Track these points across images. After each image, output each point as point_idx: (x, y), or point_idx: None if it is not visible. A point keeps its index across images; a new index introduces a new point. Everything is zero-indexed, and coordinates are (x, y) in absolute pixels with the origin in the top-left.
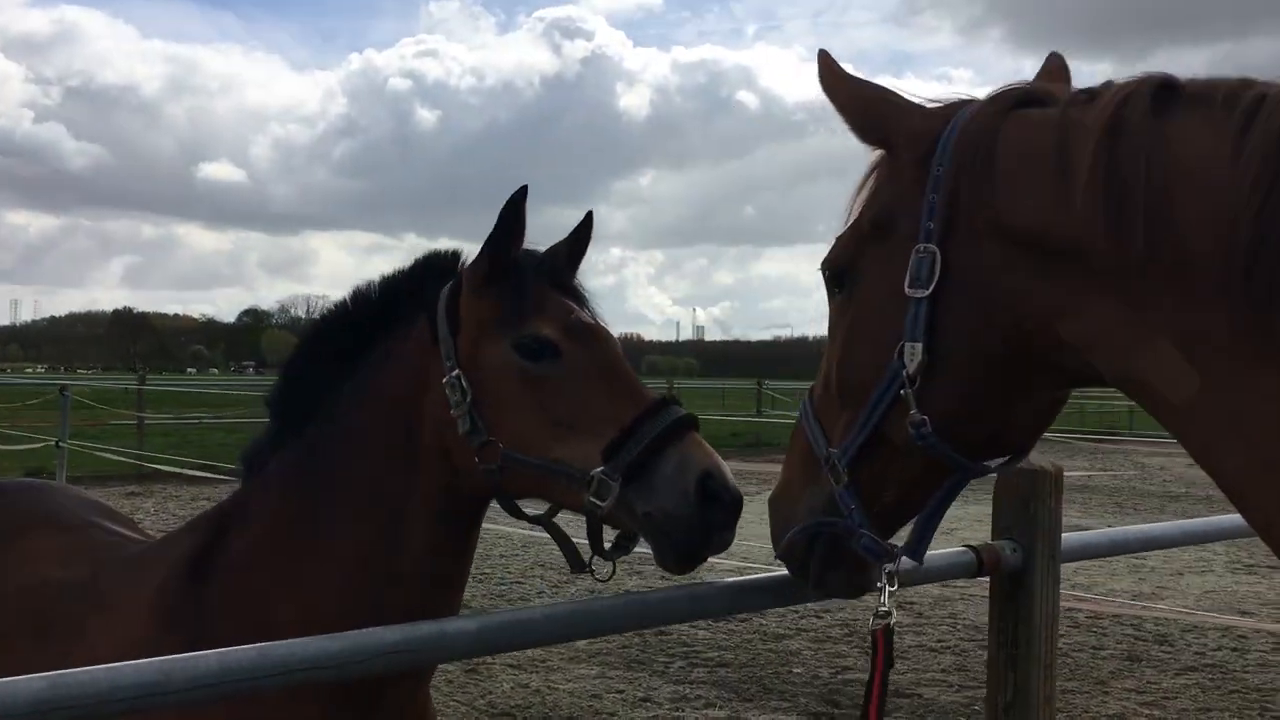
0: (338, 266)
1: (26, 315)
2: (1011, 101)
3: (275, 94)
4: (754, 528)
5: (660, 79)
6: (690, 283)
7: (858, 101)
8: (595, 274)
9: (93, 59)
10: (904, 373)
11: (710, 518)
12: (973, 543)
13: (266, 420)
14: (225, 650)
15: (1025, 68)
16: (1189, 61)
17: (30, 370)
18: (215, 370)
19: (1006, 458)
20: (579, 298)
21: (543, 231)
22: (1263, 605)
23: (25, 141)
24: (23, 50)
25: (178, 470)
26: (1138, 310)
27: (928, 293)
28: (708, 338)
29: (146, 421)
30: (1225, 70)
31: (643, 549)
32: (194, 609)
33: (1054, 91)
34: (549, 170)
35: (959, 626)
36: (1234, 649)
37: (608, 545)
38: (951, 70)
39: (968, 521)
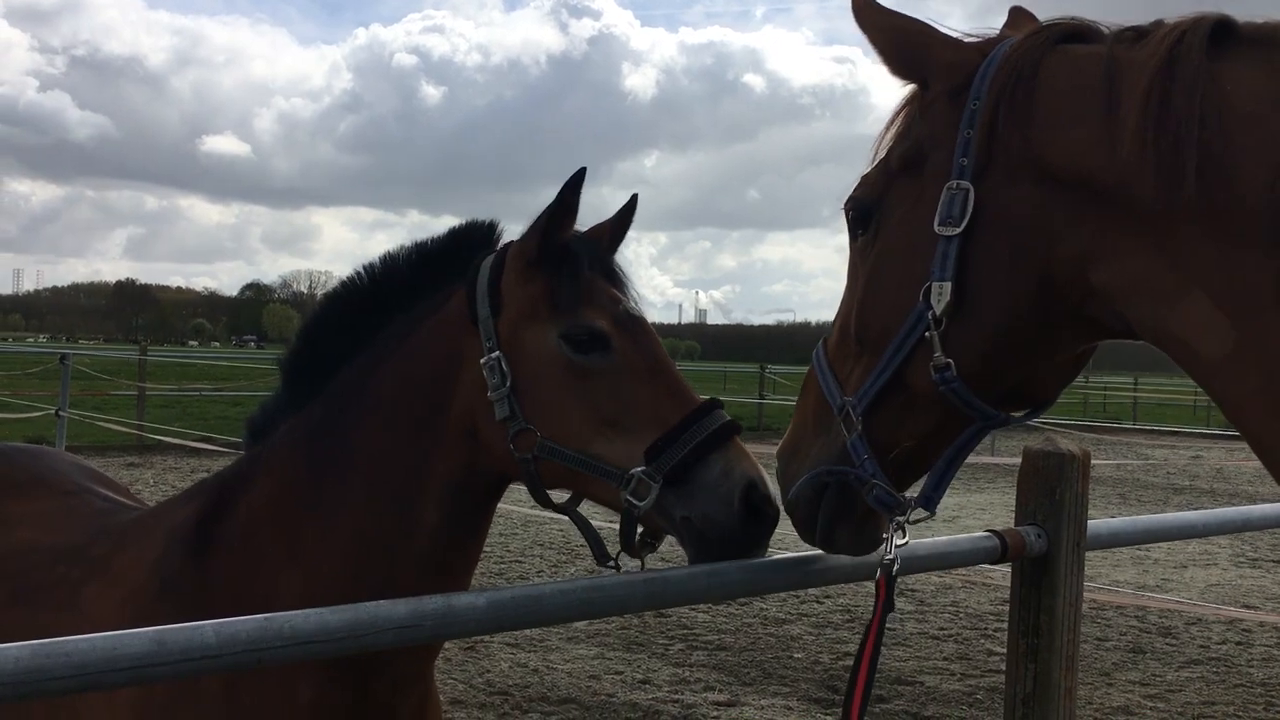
0: (340, 242)
1: (29, 285)
2: (1056, 36)
3: (280, 67)
4: None
5: (667, 60)
6: (693, 265)
7: (892, 32)
8: None
9: (98, 28)
10: (930, 314)
11: (750, 530)
12: (994, 527)
13: (268, 394)
14: (225, 621)
15: None
16: None
17: (32, 340)
18: (217, 344)
19: (1028, 410)
20: (621, 282)
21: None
22: (1267, 599)
23: (29, 110)
24: (28, 18)
25: (178, 441)
26: (1175, 259)
27: (959, 231)
28: (709, 321)
29: (147, 393)
30: None
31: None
32: (194, 578)
33: (1099, 27)
34: (553, 149)
35: (961, 615)
36: (1238, 642)
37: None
38: None
39: (972, 509)
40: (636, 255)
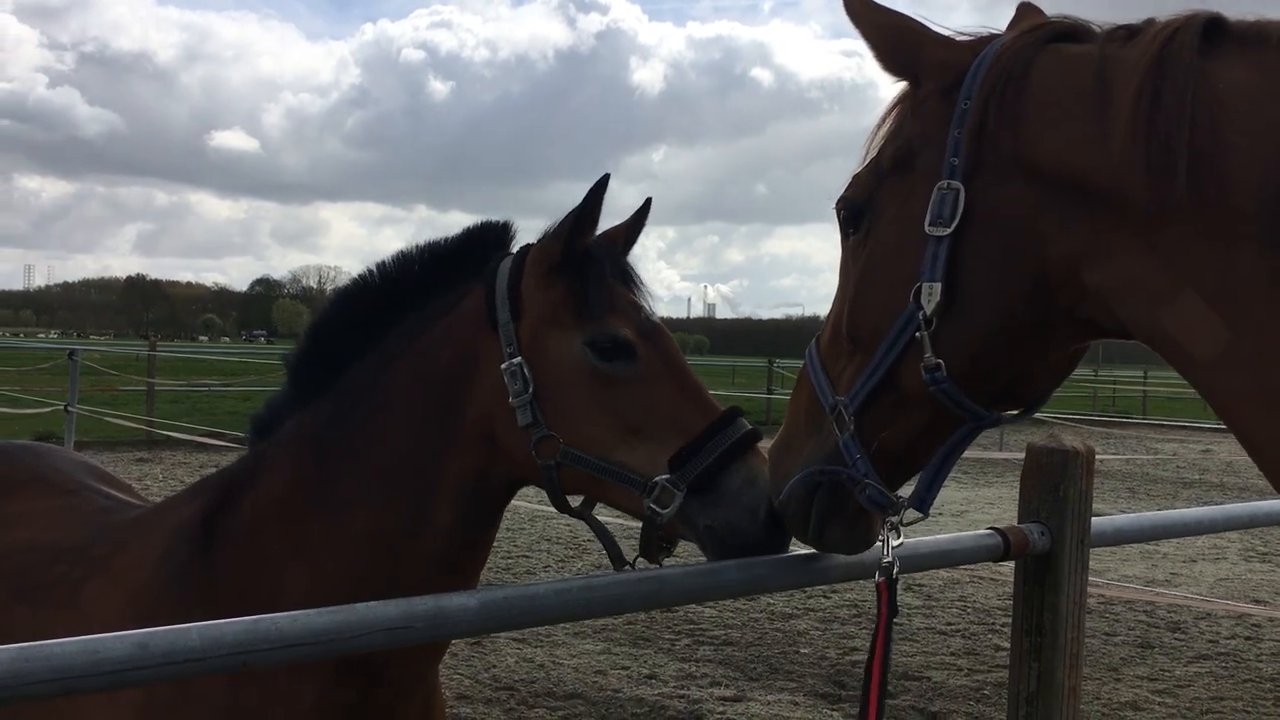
0: (349, 237)
1: (40, 281)
2: (1047, 35)
3: (288, 63)
4: None
5: (675, 54)
6: (701, 260)
7: (884, 29)
8: None
9: (107, 25)
10: (920, 314)
11: (773, 538)
12: (999, 525)
13: (278, 387)
14: (210, 624)
15: None
16: None
17: (43, 335)
18: (227, 339)
19: (1020, 410)
20: (636, 286)
21: (553, 207)
22: (1277, 594)
23: (39, 107)
24: (37, 15)
25: (187, 437)
26: (1168, 258)
27: (949, 231)
28: (718, 315)
29: (156, 388)
30: None
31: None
32: (199, 576)
33: (1091, 26)
34: (561, 145)
35: (969, 610)
36: (1247, 638)
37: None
38: None
39: (980, 504)
40: (644, 250)
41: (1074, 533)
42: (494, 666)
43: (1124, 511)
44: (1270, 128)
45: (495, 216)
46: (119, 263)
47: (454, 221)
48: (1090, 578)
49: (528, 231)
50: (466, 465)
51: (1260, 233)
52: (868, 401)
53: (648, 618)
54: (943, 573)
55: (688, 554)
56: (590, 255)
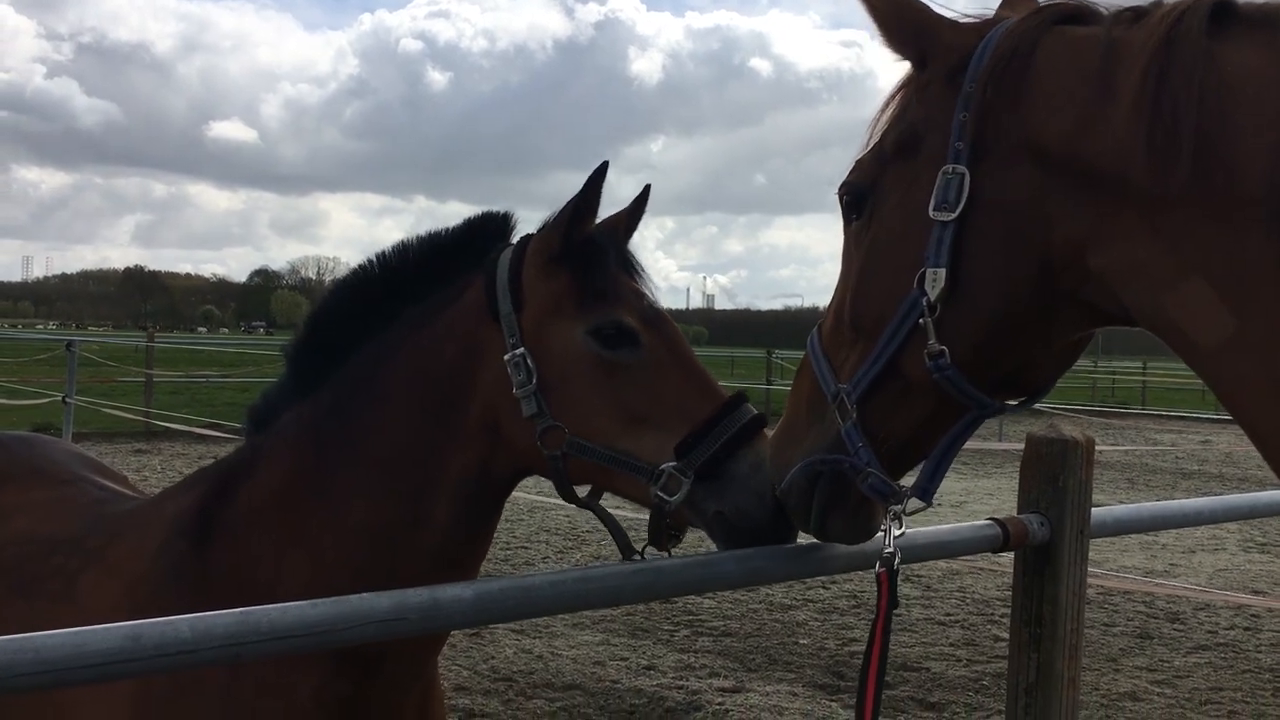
0: (348, 228)
1: (39, 272)
2: (1053, 17)
3: (286, 53)
4: None
5: (673, 44)
6: (700, 250)
7: (890, 10)
8: None
9: (105, 15)
10: (924, 300)
11: (782, 523)
12: (998, 515)
13: (277, 379)
14: (200, 616)
15: None
16: None
17: (41, 327)
18: (226, 330)
19: (1024, 398)
20: (638, 274)
21: (551, 197)
22: (1275, 584)
23: (36, 97)
24: (34, 5)
25: (185, 428)
26: (1173, 243)
27: (954, 216)
28: (717, 306)
29: (155, 379)
30: None
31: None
32: (197, 567)
33: (1098, 8)
34: (559, 135)
35: (968, 601)
36: (1246, 628)
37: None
38: None
39: (979, 495)
40: (642, 240)
41: (1074, 523)
42: (492, 658)
43: (1123, 502)
44: (1276, 115)
45: (494, 207)
46: (117, 254)
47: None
48: (1089, 568)
49: (527, 222)
50: (468, 458)
51: (1268, 217)
52: (870, 389)
53: (646, 609)
54: (942, 563)
55: (690, 544)
56: (591, 244)
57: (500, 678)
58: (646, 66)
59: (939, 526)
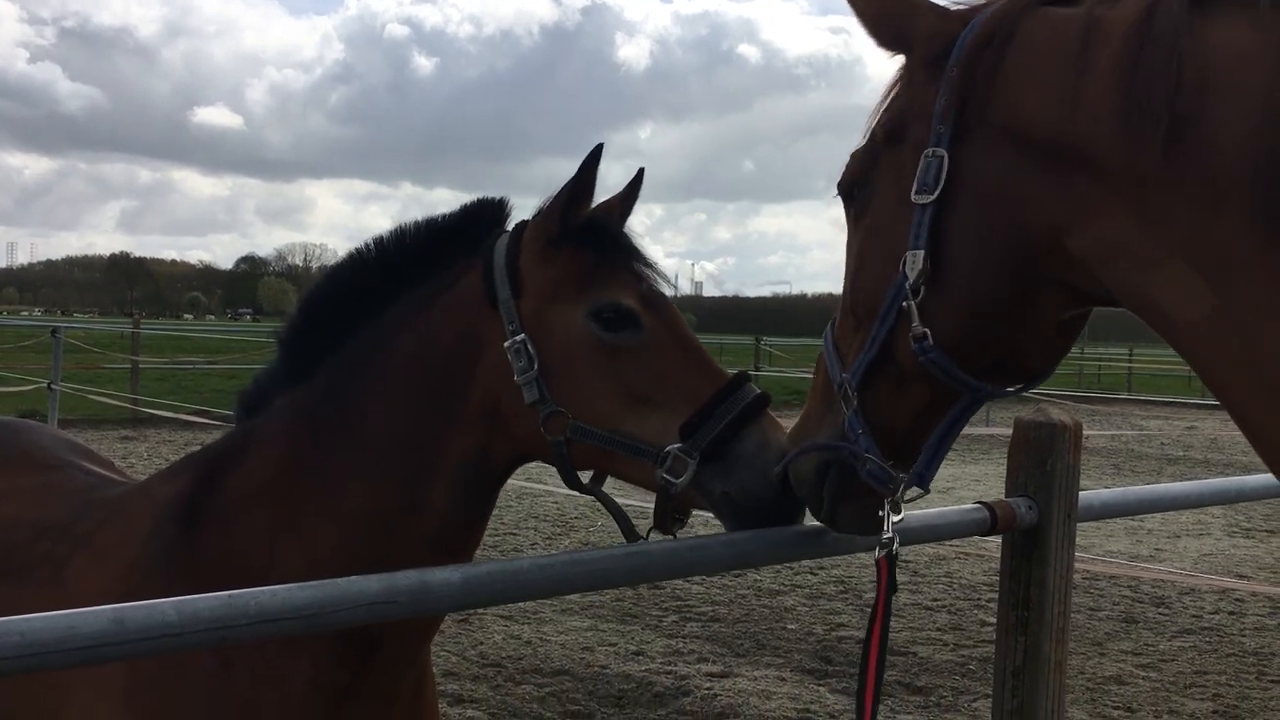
0: (334, 214)
1: (23, 258)
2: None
3: (271, 38)
4: None
5: (661, 30)
6: (688, 238)
7: (877, 2)
8: None
9: None
10: (906, 284)
11: (789, 500)
12: (987, 499)
13: (265, 364)
14: (186, 599)
15: None
16: None
17: (26, 313)
18: (212, 317)
19: (1022, 383)
20: (640, 256)
21: (539, 184)
22: (1260, 569)
23: (19, 82)
24: None
25: (172, 415)
26: (1152, 222)
27: (932, 199)
28: (705, 293)
29: (141, 366)
30: None
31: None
32: (186, 555)
33: None
34: (546, 121)
35: (955, 585)
36: (1231, 612)
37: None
38: None
39: (966, 481)
40: (631, 227)
41: (1061, 507)
42: (481, 644)
43: (1109, 488)
44: (1256, 93)
45: (481, 193)
46: (103, 240)
47: (439, 199)
48: (1075, 553)
49: (519, 209)
50: (467, 443)
51: (1250, 197)
52: (867, 376)
53: (635, 594)
54: (929, 549)
55: (692, 527)
56: (588, 227)
57: (489, 663)
58: (634, 52)
59: (928, 510)
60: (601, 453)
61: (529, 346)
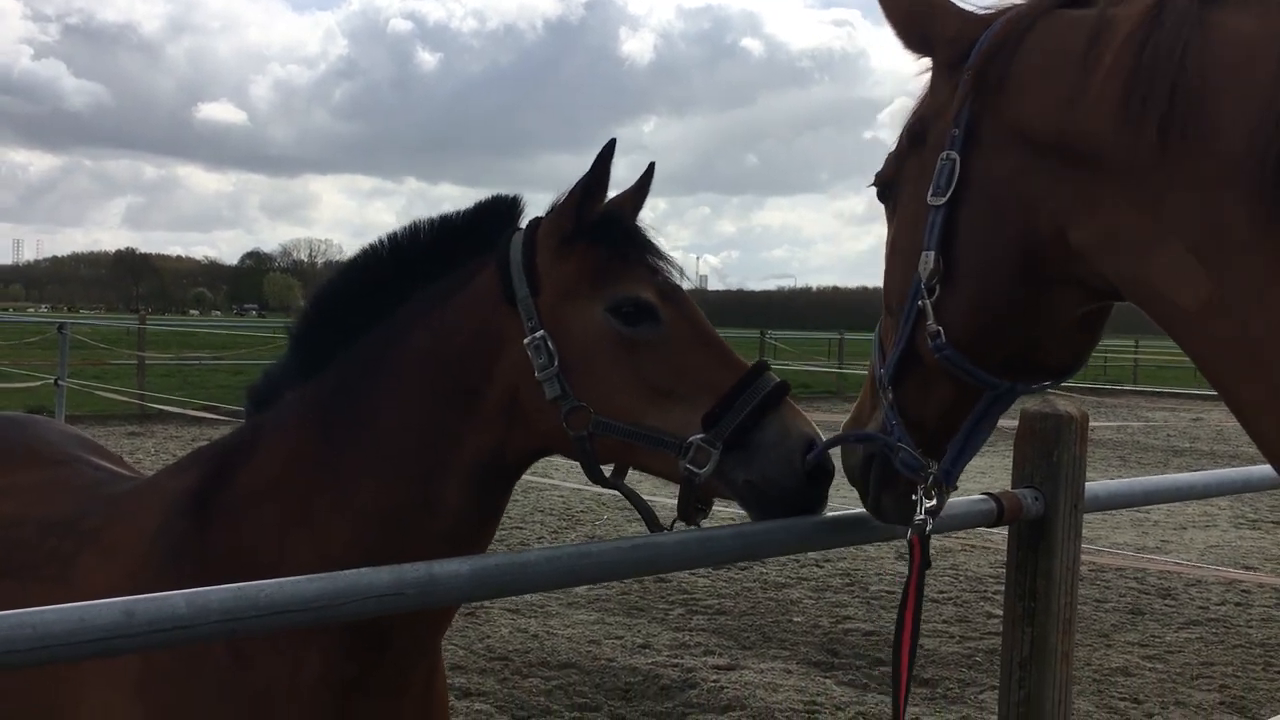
0: (339, 210)
1: (29, 255)
2: (1056, 1)
3: (275, 34)
4: None
5: (664, 24)
6: (693, 231)
7: (905, 6)
8: None
9: None
10: (921, 283)
11: (812, 487)
12: (993, 490)
13: (272, 360)
14: (196, 591)
15: None
16: None
17: (32, 310)
18: (218, 313)
19: (1047, 379)
20: (655, 250)
21: (543, 179)
22: (1266, 560)
23: (24, 79)
24: None
25: (179, 410)
26: (1151, 209)
27: (945, 200)
28: (710, 287)
29: (147, 362)
30: None
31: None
32: (196, 550)
33: None
34: (550, 116)
35: (961, 578)
36: (1237, 604)
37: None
38: None
39: (972, 473)
40: (644, 221)
41: (1068, 498)
42: (488, 637)
43: (1116, 479)
44: (1260, 80)
45: (486, 188)
46: (108, 236)
47: (444, 194)
48: (1082, 544)
49: (529, 205)
50: (483, 441)
51: (1246, 181)
52: (897, 371)
53: (641, 588)
54: (935, 541)
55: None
56: (603, 222)
57: (496, 656)
58: (638, 46)
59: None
60: (624, 446)
61: (549, 343)
